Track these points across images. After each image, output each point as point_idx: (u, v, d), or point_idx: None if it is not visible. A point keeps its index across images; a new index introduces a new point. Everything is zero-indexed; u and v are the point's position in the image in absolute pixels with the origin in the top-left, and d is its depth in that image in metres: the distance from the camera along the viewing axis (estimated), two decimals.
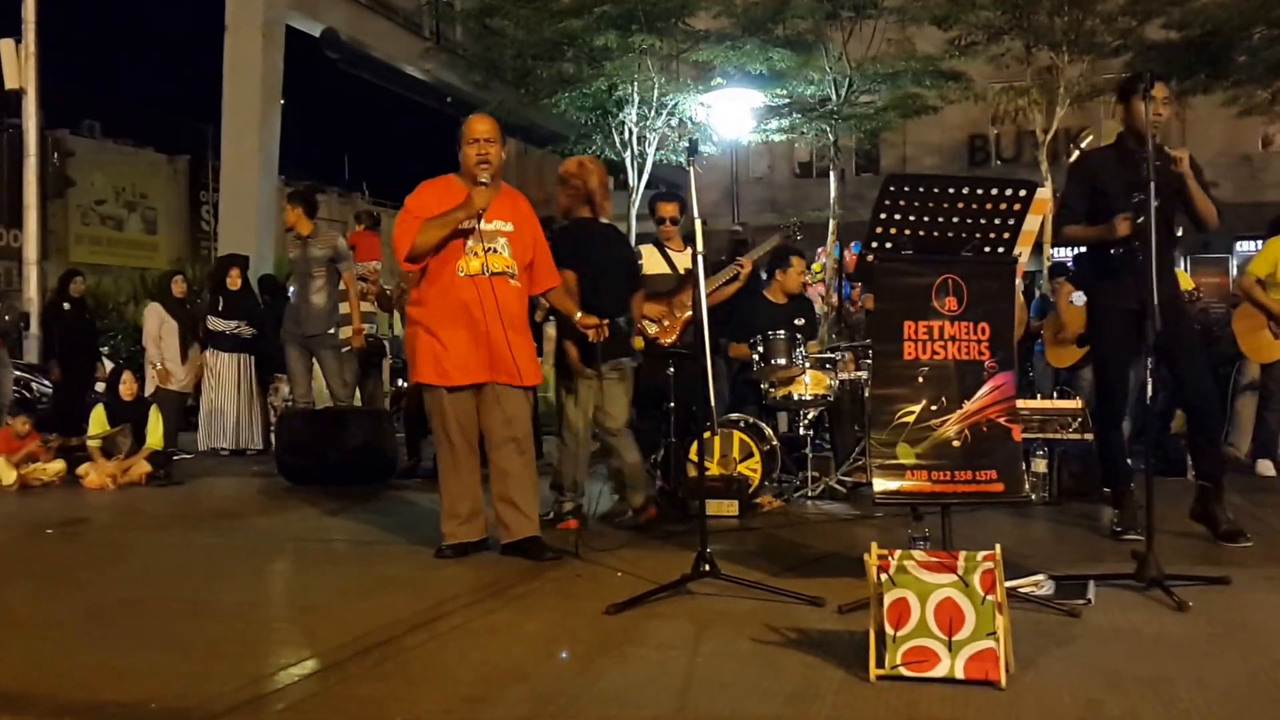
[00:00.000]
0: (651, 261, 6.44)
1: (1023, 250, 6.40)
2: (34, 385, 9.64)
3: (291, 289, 8.04)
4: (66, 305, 9.80)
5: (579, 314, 5.00)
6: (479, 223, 4.57)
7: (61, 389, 9.62)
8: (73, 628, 3.71)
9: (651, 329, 6.26)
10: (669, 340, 6.26)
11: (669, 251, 6.47)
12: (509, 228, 4.69)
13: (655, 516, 5.54)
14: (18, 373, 10.21)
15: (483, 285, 4.58)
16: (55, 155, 12.83)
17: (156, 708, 2.77)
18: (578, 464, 5.49)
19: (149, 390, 9.07)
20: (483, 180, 4.55)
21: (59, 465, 7.61)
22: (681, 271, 6.41)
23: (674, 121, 15.40)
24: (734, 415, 6.32)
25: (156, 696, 2.84)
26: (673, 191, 7.07)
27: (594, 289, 5.31)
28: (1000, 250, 3.92)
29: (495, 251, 4.62)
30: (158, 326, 9.47)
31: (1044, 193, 7.85)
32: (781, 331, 6.46)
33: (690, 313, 6.30)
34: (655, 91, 14.81)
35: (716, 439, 5.94)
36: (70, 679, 3.04)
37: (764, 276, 7.32)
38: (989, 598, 2.89)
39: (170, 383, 9.46)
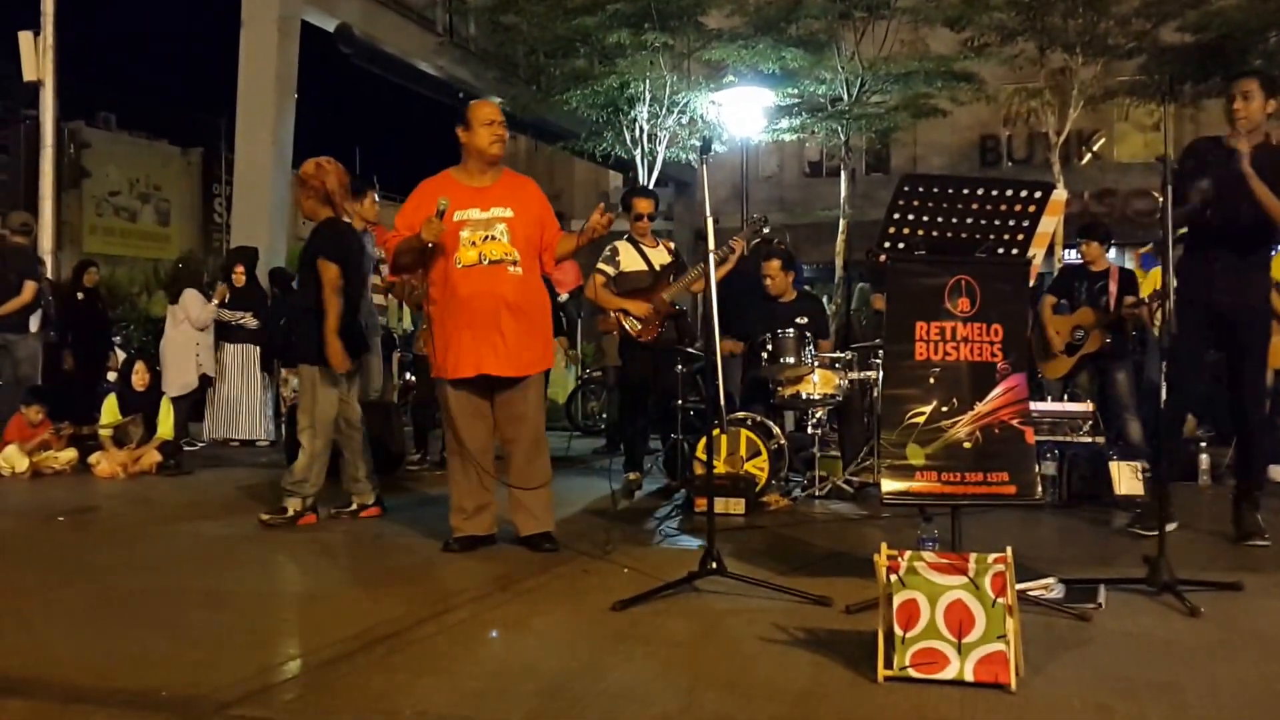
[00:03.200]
0: (627, 258, 6.45)
1: (1037, 252, 6.37)
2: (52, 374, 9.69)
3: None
4: (80, 295, 9.81)
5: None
6: (439, 239, 4.53)
7: (74, 378, 9.64)
8: (83, 615, 3.72)
9: (635, 325, 6.27)
10: (649, 337, 6.28)
11: (643, 248, 6.48)
12: (508, 213, 4.63)
13: (379, 515, 5.58)
14: None
15: (481, 275, 4.55)
16: (71, 146, 12.79)
17: (167, 695, 2.78)
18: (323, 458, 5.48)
19: (194, 380, 9.18)
20: (441, 204, 4.47)
21: (71, 453, 7.64)
22: (658, 268, 6.43)
23: (685, 119, 15.40)
24: (741, 413, 6.31)
25: (167, 684, 2.85)
26: (648, 188, 7.09)
27: (360, 286, 5.55)
28: (1014, 252, 3.90)
29: (493, 239, 4.58)
30: (199, 309, 9.55)
31: (1059, 194, 7.83)
32: (791, 330, 6.45)
33: (670, 308, 6.34)
34: (667, 89, 14.82)
35: (724, 437, 5.93)
36: (81, 666, 3.05)
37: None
38: (1000, 600, 2.87)
39: (209, 368, 9.58)
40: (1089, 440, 6.32)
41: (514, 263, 4.61)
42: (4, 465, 7.37)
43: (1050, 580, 3.82)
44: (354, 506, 5.60)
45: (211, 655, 3.18)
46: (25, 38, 10.73)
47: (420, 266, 4.70)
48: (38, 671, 2.97)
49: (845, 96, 15.37)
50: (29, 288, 8.42)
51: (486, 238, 4.58)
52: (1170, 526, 5.05)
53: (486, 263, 4.56)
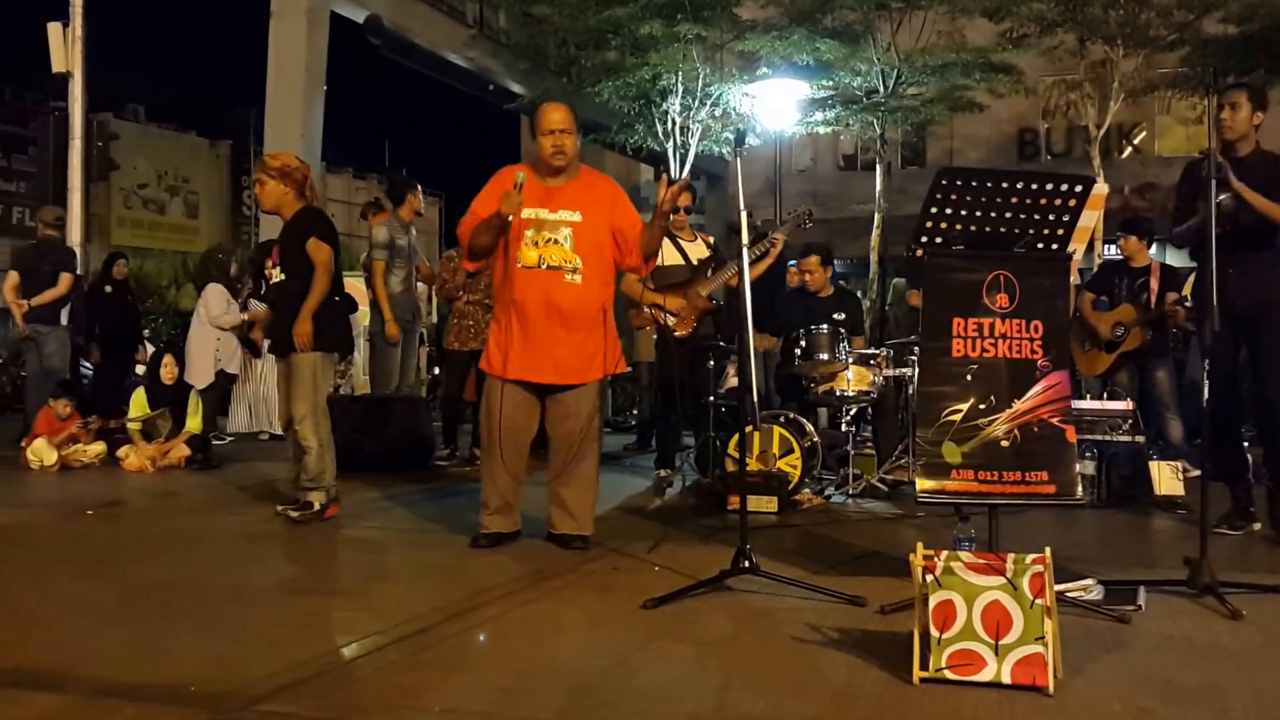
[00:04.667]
0: (664, 252, 6.38)
1: (1077, 247, 6.27)
2: (79, 368, 9.71)
3: (396, 277, 7.83)
4: (109, 288, 9.83)
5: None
6: (517, 212, 4.47)
7: (102, 371, 9.67)
8: (112, 609, 3.73)
9: (671, 320, 6.21)
10: (684, 332, 6.21)
11: (680, 242, 6.42)
12: (576, 217, 4.54)
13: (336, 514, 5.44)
14: None
15: (536, 280, 4.50)
16: (100, 139, 12.79)
17: (196, 691, 2.78)
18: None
19: (210, 374, 9.19)
20: (518, 177, 4.44)
21: (99, 447, 7.64)
22: (695, 262, 6.36)
23: (718, 112, 15.31)
24: (774, 410, 6.26)
25: (195, 680, 2.85)
26: (684, 181, 7.01)
27: (340, 280, 5.56)
28: (1054, 247, 3.84)
29: (555, 243, 4.52)
30: (225, 305, 9.53)
31: (1100, 188, 7.70)
32: (825, 326, 6.39)
33: (706, 303, 6.27)
34: (700, 81, 14.74)
35: (756, 434, 5.88)
36: (110, 660, 3.06)
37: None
38: (1038, 601, 2.83)
39: (233, 364, 9.56)
40: (1129, 439, 6.22)
41: (573, 270, 4.52)
42: (33, 459, 7.39)
43: (1089, 581, 3.77)
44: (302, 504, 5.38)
45: (240, 650, 3.19)
46: (54, 29, 10.75)
47: (496, 247, 4.59)
48: (66, 665, 2.98)
49: (881, 89, 15.26)
50: (64, 280, 8.46)
51: (549, 240, 4.52)
52: (1254, 526, 5.05)
53: (544, 267, 4.50)
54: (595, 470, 4.73)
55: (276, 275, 5.51)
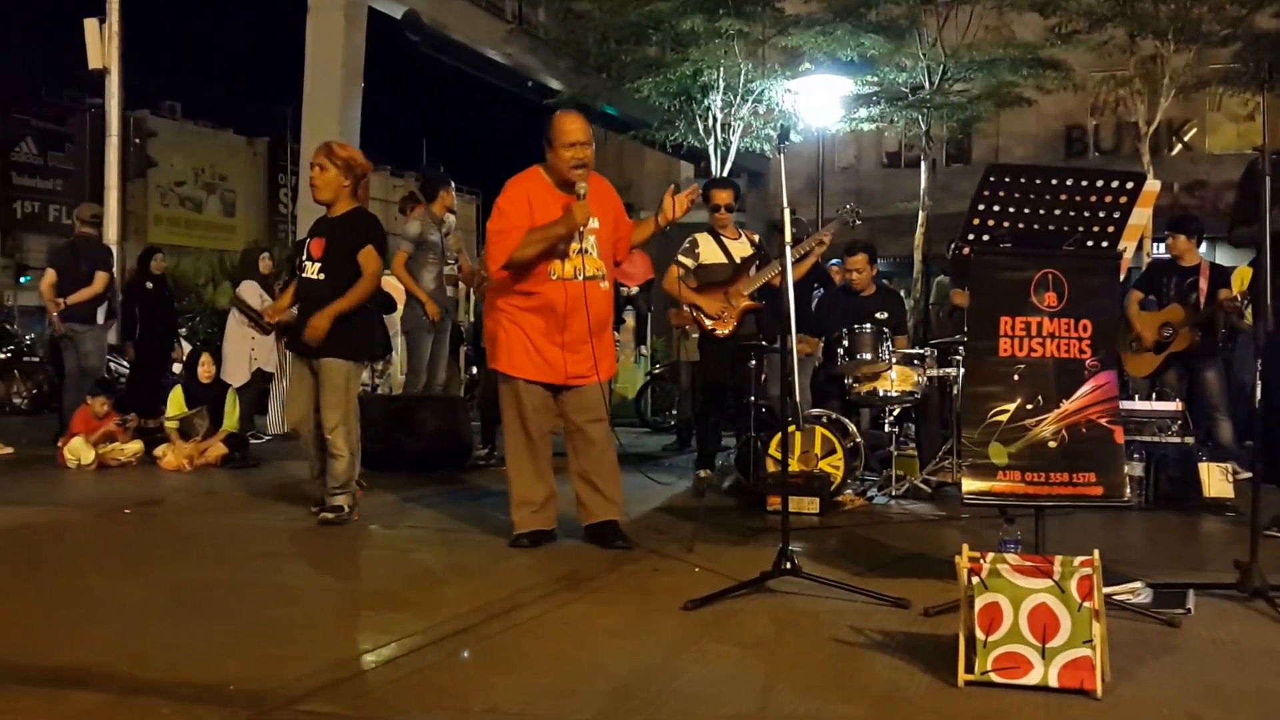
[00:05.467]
0: (707, 250, 6.35)
1: (1128, 245, 6.16)
2: (112, 365, 9.67)
3: (429, 274, 7.82)
4: (149, 284, 9.81)
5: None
6: (588, 222, 4.52)
7: (140, 369, 9.68)
8: (150, 607, 3.76)
9: (708, 321, 6.17)
10: (725, 331, 6.16)
11: (724, 239, 6.38)
12: (596, 225, 4.62)
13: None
14: None
15: (574, 290, 4.54)
16: (137, 136, 12.83)
17: (235, 690, 2.79)
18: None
19: (246, 373, 9.22)
20: (581, 189, 4.47)
21: (136, 445, 7.66)
22: (738, 260, 6.31)
23: (760, 109, 15.19)
24: (816, 410, 6.21)
25: (234, 679, 2.87)
26: (727, 178, 6.94)
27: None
28: (1104, 244, 3.77)
29: (586, 253, 4.56)
30: (259, 304, 9.51)
31: (1152, 185, 7.53)
32: (868, 325, 6.33)
33: (746, 302, 6.22)
34: (742, 77, 14.62)
35: (798, 434, 5.83)
36: (148, 658, 3.08)
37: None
38: (1086, 604, 2.80)
39: (269, 363, 9.58)
40: (1178, 440, 6.11)
41: (603, 278, 4.65)
42: (70, 457, 7.43)
43: (1137, 584, 3.72)
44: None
45: (279, 649, 3.20)
46: (91, 26, 10.78)
47: (543, 258, 4.57)
48: (105, 664, 3.00)
49: (926, 85, 15.05)
50: (100, 278, 8.46)
51: (580, 251, 4.55)
52: None
53: (581, 278, 4.55)
54: (615, 450, 4.81)
55: (311, 270, 5.28)
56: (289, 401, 5.43)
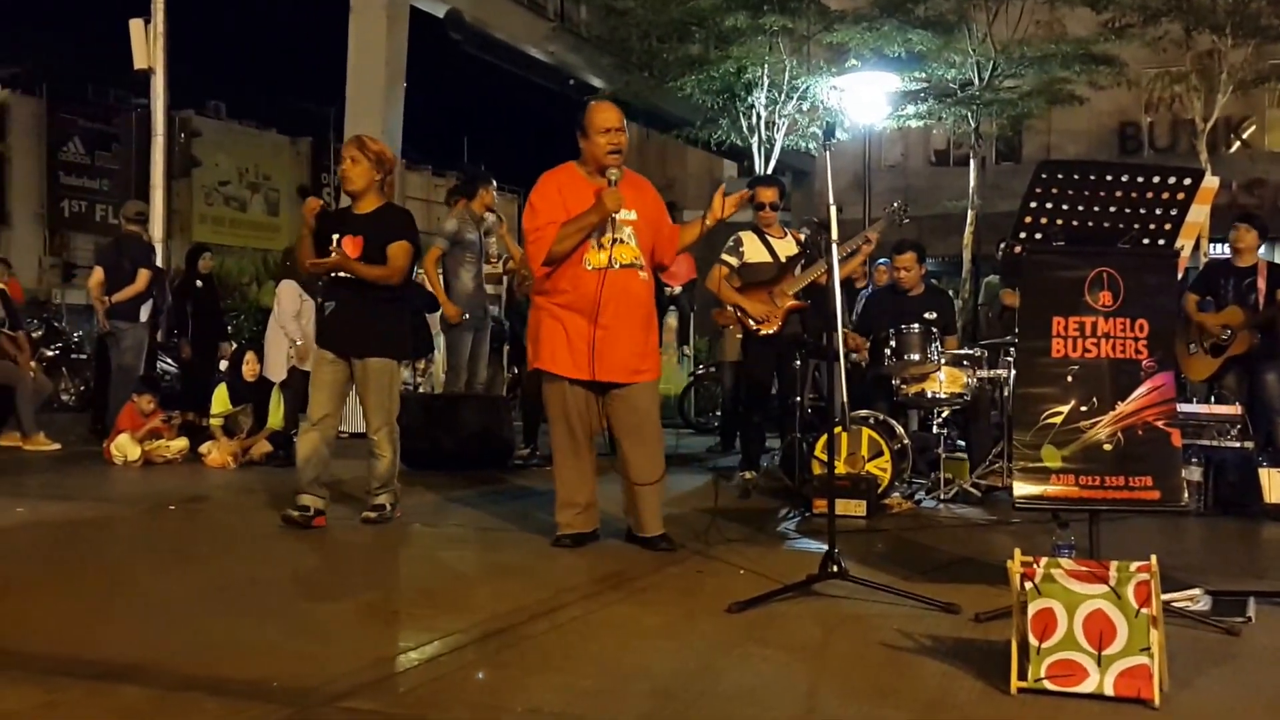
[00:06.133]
0: (752, 249, 6.29)
1: (1185, 243, 6.01)
2: (157, 363, 9.76)
3: (468, 273, 7.80)
4: (199, 282, 9.90)
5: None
6: (620, 208, 4.47)
7: (192, 367, 9.73)
8: (194, 603, 3.77)
9: (752, 321, 6.11)
10: (770, 330, 6.09)
11: (769, 238, 6.31)
12: (633, 216, 4.58)
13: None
14: None
15: (610, 279, 4.49)
16: (182, 135, 12.86)
17: (278, 686, 2.79)
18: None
19: (284, 370, 9.22)
20: (612, 175, 4.44)
21: (182, 442, 7.73)
22: (783, 259, 6.24)
23: (805, 106, 15.06)
24: (863, 412, 6.12)
25: (277, 675, 2.87)
26: (772, 176, 6.85)
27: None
28: (1160, 242, 3.68)
29: (622, 242, 4.52)
30: (297, 304, 9.52)
31: (1211, 181, 7.35)
32: (916, 325, 6.24)
33: (792, 301, 6.14)
34: (786, 75, 14.50)
35: (845, 436, 5.76)
36: (192, 654, 3.08)
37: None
38: (1144, 611, 2.72)
39: (307, 362, 9.59)
40: (1237, 445, 5.97)
41: (640, 267, 4.58)
42: (116, 454, 7.52)
43: (1195, 591, 3.64)
44: (310, 512, 5.11)
45: (321, 647, 3.19)
46: (136, 25, 10.87)
47: (576, 251, 4.54)
48: (150, 659, 3.01)
49: (976, 81, 14.86)
50: (143, 276, 8.54)
51: (615, 240, 4.51)
52: None
53: (618, 266, 4.50)
54: (663, 463, 4.73)
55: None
56: (310, 397, 5.27)
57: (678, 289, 10.51)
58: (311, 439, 5.15)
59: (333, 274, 5.19)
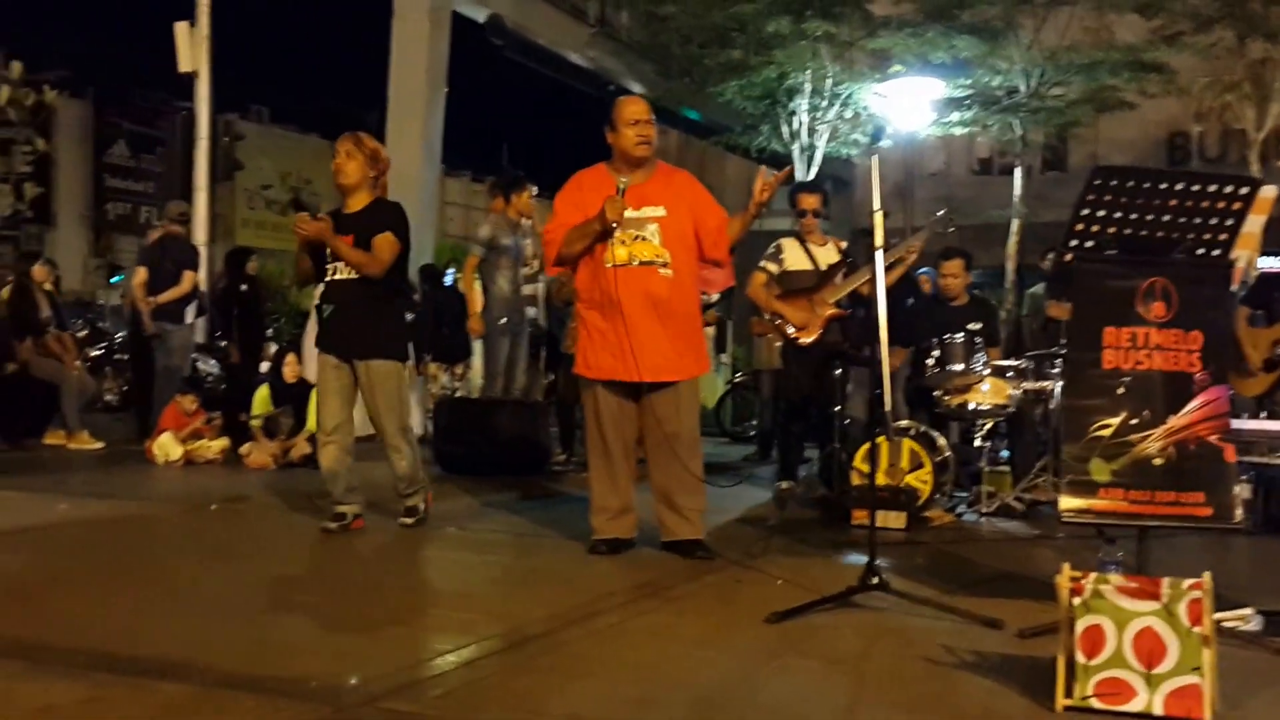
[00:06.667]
0: (793, 256, 6.23)
1: (1241, 254, 5.88)
2: (199, 365, 9.84)
3: (504, 278, 7.80)
4: (244, 286, 9.93)
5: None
6: (621, 217, 4.43)
7: (239, 370, 9.74)
8: (233, 602, 3.79)
9: (791, 329, 6.04)
10: (809, 339, 6.02)
11: (810, 246, 6.25)
12: (660, 212, 4.51)
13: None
14: None
15: (630, 276, 4.45)
16: (225, 139, 12.93)
17: (316, 686, 2.79)
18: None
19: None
20: (621, 183, 4.40)
21: (223, 443, 7.79)
22: (824, 267, 6.17)
23: (847, 113, 14.93)
24: (904, 423, 6.04)
25: (315, 674, 2.87)
26: (815, 182, 6.77)
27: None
28: (1216, 253, 3.59)
29: (643, 239, 4.48)
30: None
31: (1268, 191, 7.19)
32: (960, 335, 6.15)
33: (831, 310, 6.06)
34: (829, 81, 14.39)
35: (885, 446, 5.68)
36: (231, 652, 3.10)
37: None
38: (1195, 630, 2.67)
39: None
40: None
41: (664, 264, 4.50)
42: (158, 453, 7.59)
43: (1247, 611, 3.55)
44: (348, 519, 5.11)
45: (359, 647, 3.20)
46: (181, 29, 10.94)
47: (588, 254, 4.56)
48: (190, 656, 3.02)
49: (1022, 88, 14.67)
50: (187, 278, 8.59)
51: (636, 237, 4.48)
52: None
53: (637, 263, 4.47)
54: (702, 471, 4.66)
55: (343, 271, 5.04)
56: (320, 406, 5.19)
57: (715, 296, 10.47)
58: (331, 452, 5.06)
59: (328, 277, 5.11)
